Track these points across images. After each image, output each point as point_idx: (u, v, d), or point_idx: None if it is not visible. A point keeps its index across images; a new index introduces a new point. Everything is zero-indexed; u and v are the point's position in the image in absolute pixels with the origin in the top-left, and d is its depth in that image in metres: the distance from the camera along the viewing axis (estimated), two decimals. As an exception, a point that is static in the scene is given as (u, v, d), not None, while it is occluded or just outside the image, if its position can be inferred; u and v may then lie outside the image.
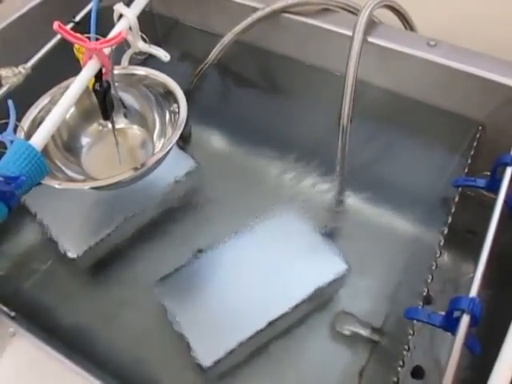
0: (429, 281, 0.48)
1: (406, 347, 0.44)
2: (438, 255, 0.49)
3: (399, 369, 0.43)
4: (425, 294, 0.47)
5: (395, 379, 0.43)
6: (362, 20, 0.57)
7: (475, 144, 0.57)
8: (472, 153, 0.57)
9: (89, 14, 0.54)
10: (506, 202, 0.44)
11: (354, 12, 0.62)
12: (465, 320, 0.37)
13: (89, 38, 0.46)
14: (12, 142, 0.40)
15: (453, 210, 0.52)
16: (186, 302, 0.47)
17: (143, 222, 0.54)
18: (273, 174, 0.58)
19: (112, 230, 0.52)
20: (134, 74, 0.57)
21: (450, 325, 0.38)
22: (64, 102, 0.44)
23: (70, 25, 0.63)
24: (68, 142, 0.54)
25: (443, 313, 0.39)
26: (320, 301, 0.48)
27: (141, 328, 0.47)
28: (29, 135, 0.47)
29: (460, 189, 0.53)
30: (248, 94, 0.70)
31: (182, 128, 0.50)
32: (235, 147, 0.62)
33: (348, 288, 0.49)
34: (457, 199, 0.52)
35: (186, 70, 0.68)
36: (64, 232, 0.52)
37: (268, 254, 0.50)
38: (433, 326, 0.40)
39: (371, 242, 0.52)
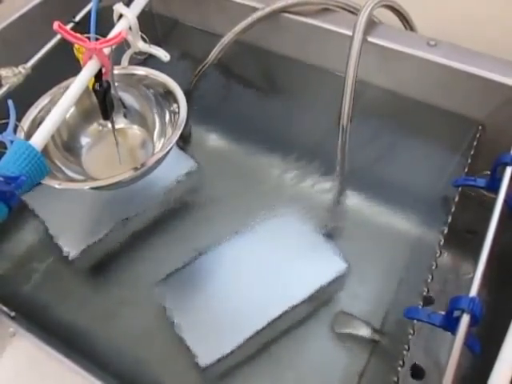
0: (429, 280, 0.48)
1: (406, 347, 0.44)
2: (438, 255, 0.49)
3: (399, 368, 0.43)
4: (425, 293, 0.47)
5: (395, 379, 0.43)
6: (362, 20, 0.57)
7: (475, 144, 0.57)
8: (472, 152, 0.57)
9: (89, 13, 0.54)
10: (506, 201, 0.44)
11: (354, 12, 0.62)
12: (465, 319, 0.37)
13: (89, 38, 0.46)
14: (12, 142, 0.40)
15: (453, 210, 0.52)
16: (186, 302, 0.47)
17: (143, 222, 0.54)
18: (273, 173, 0.58)
19: (112, 229, 0.52)
20: (133, 74, 0.57)
21: (450, 324, 0.38)
22: (64, 102, 0.44)
23: (70, 25, 0.63)
24: (68, 142, 0.54)
25: (443, 312, 0.39)
26: (320, 301, 0.48)
27: (141, 328, 0.47)
28: (29, 135, 0.47)
29: (460, 188, 0.53)
30: (248, 93, 0.70)
31: (181, 128, 0.50)
32: (235, 147, 0.62)
33: (348, 288, 0.49)
34: (457, 199, 0.52)
35: (186, 70, 0.68)
36: (64, 232, 0.52)
37: (268, 254, 0.50)
38: (433, 325, 0.40)
39: (371, 242, 0.52)
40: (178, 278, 0.49)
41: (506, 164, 0.46)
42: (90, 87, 0.47)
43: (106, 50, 0.47)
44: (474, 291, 0.38)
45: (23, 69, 0.57)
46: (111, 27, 0.54)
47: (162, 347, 0.46)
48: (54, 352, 0.39)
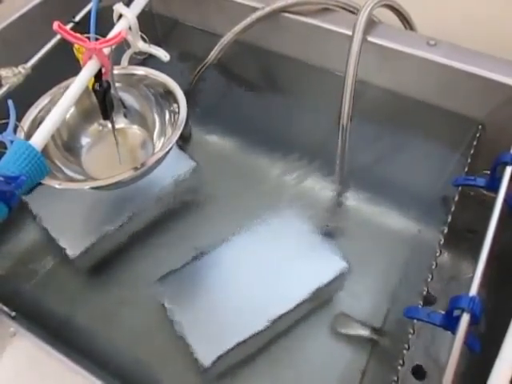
0: (429, 280, 0.48)
1: (406, 346, 0.44)
2: (438, 254, 0.49)
3: (399, 368, 0.43)
4: (425, 293, 0.47)
5: (395, 378, 0.43)
6: (362, 19, 0.57)
7: (475, 143, 0.57)
8: (472, 152, 0.57)
9: (88, 14, 0.54)
10: (505, 200, 0.44)
11: (354, 11, 0.63)
12: (465, 319, 0.37)
13: (88, 38, 0.46)
14: (12, 142, 0.40)
15: (453, 209, 0.52)
16: (186, 302, 0.47)
17: (143, 222, 0.54)
18: (272, 173, 0.58)
19: (112, 229, 0.52)
20: (133, 74, 0.57)
21: (450, 324, 0.38)
22: (64, 102, 0.44)
23: (70, 25, 0.63)
24: (68, 142, 0.54)
25: (443, 312, 0.39)
26: (320, 300, 0.48)
27: (141, 327, 0.47)
28: (29, 135, 0.47)
29: (460, 188, 0.53)
30: (248, 93, 0.70)
31: (181, 128, 0.50)
32: (235, 147, 0.62)
33: (348, 287, 0.49)
34: (457, 198, 0.52)
35: (186, 70, 0.68)
36: (64, 232, 0.52)
37: (268, 254, 0.50)
38: (433, 324, 0.40)
39: (371, 242, 0.52)
40: (178, 278, 0.49)
41: (506, 163, 0.46)
42: (90, 87, 0.47)
43: (106, 50, 0.47)
44: (473, 290, 0.38)
45: (23, 69, 0.57)
46: (111, 27, 0.54)
47: (162, 347, 0.46)
48: (54, 352, 0.39)
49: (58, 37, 0.62)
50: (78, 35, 0.44)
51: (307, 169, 0.58)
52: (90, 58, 0.45)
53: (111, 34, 0.53)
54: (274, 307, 0.46)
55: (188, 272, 0.49)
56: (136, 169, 0.47)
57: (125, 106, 0.57)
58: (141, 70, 0.57)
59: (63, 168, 0.51)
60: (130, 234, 0.53)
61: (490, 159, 0.48)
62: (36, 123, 0.51)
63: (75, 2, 0.66)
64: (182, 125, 0.50)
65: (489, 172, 0.48)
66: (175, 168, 0.57)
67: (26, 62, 0.59)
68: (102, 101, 0.48)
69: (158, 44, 0.60)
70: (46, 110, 0.51)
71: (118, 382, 0.42)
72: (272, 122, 0.64)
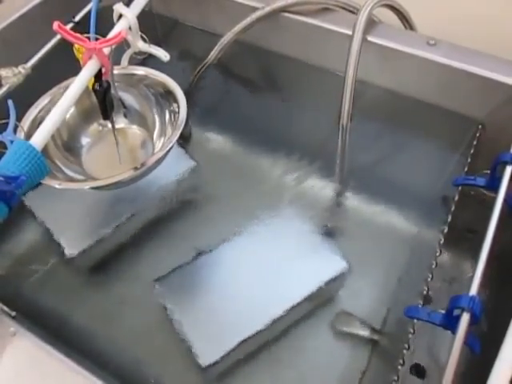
0: (429, 279, 0.48)
1: (406, 346, 0.44)
2: (438, 254, 0.49)
3: (399, 367, 0.43)
4: (425, 292, 0.47)
5: (395, 378, 0.43)
6: (362, 19, 0.57)
7: (475, 143, 0.57)
8: (472, 151, 0.57)
9: (88, 13, 0.54)
10: (505, 200, 0.44)
11: (354, 11, 0.62)
12: (465, 318, 0.37)
13: (88, 38, 0.46)
14: (12, 141, 0.40)
15: (453, 209, 0.52)
16: (186, 302, 0.47)
17: (143, 222, 0.54)
18: (272, 173, 0.58)
19: (112, 229, 0.52)
20: (133, 74, 0.57)
21: (450, 323, 0.38)
22: (64, 102, 0.44)
23: (70, 25, 0.63)
24: (68, 142, 0.55)
25: (443, 311, 0.39)
26: (320, 300, 0.48)
27: (141, 327, 0.47)
28: (29, 135, 0.47)
29: (460, 187, 0.53)
30: (248, 93, 0.70)
31: (181, 127, 0.50)
32: (235, 147, 0.62)
33: (348, 287, 0.49)
34: (457, 198, 0.53)
35: (186, 70, 0.68)
36: (64, 231, 0.52)
37: (268, 254, 0.50)
38: (433, 324, 0.40)
39: (371, 241, 0.52)
40: (179, 278, 0.49)
41: (506, 163, 0.47)
42: (90, 87, 0.47)
43: (106, 50, 0.47)
44: (473, 290, 0.38)
45: (23, 69, 0.57)
46: (111, 27, 0.54)
47: (162, 346, 0.46)
48: (54, 351, 0.39)
49: (58, 37, 0.62)
50: (78, 35, 0.44)
51: (307, 169, 0.58)
52: (90, 57, 0.45)
53: (111, 34, 0.53)
54: (274, 307, 0.46)
55: (188, 272, 0.49)
56: (136, 169, 0.47)
57: (125, 106, 0.57)
58: (141, 70, 0.57)
59: (63, 168, 0.51)
60: (129, 234, 0.53)
61: (489, 159, 0.48)
62: (36, 123, 0.51)
63: (75, 1, 0.66)
64: (182, 125, 0.50)
65: (489, 172, 0.48)
66: (175, 168, 0.57)
67: (26, 62, 0.59)
68: (102, 101, 0.48)
69: (158, 44, 0.60)
70: (46, 110, 0.51)
71: (118, 382, 0.42)
72: (272, 121, 0.64)
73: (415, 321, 0.45)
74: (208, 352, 0.43)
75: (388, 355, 0.46)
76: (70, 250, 0.51)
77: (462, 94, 0.58)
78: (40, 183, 0.43)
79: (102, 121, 0.55)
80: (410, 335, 0.45)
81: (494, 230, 0.42)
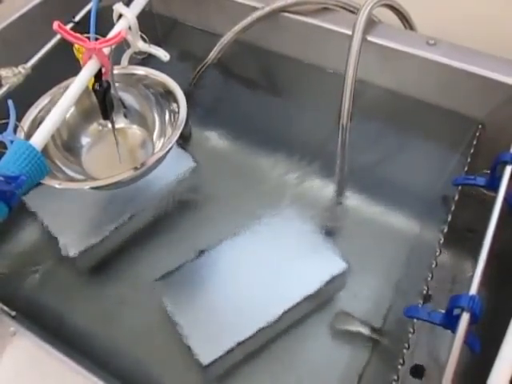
0: (429, 279, 0.48)
1: (406, 345, 0.44)
2: (437, 253, 0.49)
3: (399, 367, 0.43)
4: (425, 292, 0.47)
5: (395, 377, 0.43)
6: (362, 19, 0.57)
7: (475, 142, 0.57)
8: (472, 151, 0.57)
9: (88, 13, 0.54)
10: (505, 199, 0.44)
11: (354, 11, 0.62)
12: (465, 318, 0.37)
13: (88, 38, 0.46)
14: (12, 141, 0.40)
15: (453, 209, 0.52)
16: (186, 301, 0.47)
17: (143, 222, 0.54)
18: (272, 173, 0.58)
19: (112, 229, 0.52)
20: (133, 74, 0.57)
21: (450, 323, 0.38)
22: (64, 102, 0.44)
23: (70, 25, 0.63)
24: (68, 142, 0.55)
25: (443, 311, 0.39)
26: (320, 300, 0.48)
27: (141, 327, 0.47)
28: (29, 135, 0.47)
29: (460, 187, 0.53)
30: (248, 93, 0.70)
31: (181, 127, 0.50)
32: (235, 147, 0.62)
33: (348, 287, 0.49)
34: (457, 197, 0.53)
35: (186, 70, 0.68)
36: (64, 231, 0.52)
37: (268, 254, 0.50)
38: (433, 324, 0.40)
39: (371, 241, 0.52)
40: (179, 277, 0.49)
41: (506, 163, 0.47)
42: (90, 87, 0.47)
43: (106, 50, 0.47)
44: (473, 289, 0.38)
45: (23, 69, 0.57)
46: (111, 27, 0.54)
47: (162, 346, 0.46)
48: (54, 351, 0.39)
49: (58, 37, 0.62)
50: (78, 35, 0.44)
51: (307, 168, 0.58)
52: (89, 57, 0.45)
53: (111, 34, 0.53)
54: (274, 307, 0.46)
55: (188, 272, 0.49)
56: (136, 169, 0.47)
57: (125, 106, 0.57)
58: (141, 70, 0.57)
59: (63, 168, 0.51)
60: (130, 234, 0.53)
61: (489, 158, 0.48)
62: (36, 123, 0.51)
63: (75, 1, 0.66)
64: (182, 125, 0.50)
65: (489, 171, 0.48)
66: (175, 168, 0.57)
67: (26, 62, 0.59)
68: (102, 101, 0.48)
69: (158, 44, 0.60)
70: (46, 110, 0.52)
71: (118, 382, 0.42)
72: (272, 121, 0.64)
73: (415, 320, 0.45)
74: (208, 351, 0.43)
75: (388, 355, 0.46)
76: (70, 250, 0.51)
77: (462, 93, 0.58)
78: (40, 183, 0.43)
79: (102, 121, 0.55)
80: (410, 335, 0.45)
81: (494, 229, 0.42)
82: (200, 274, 0.49)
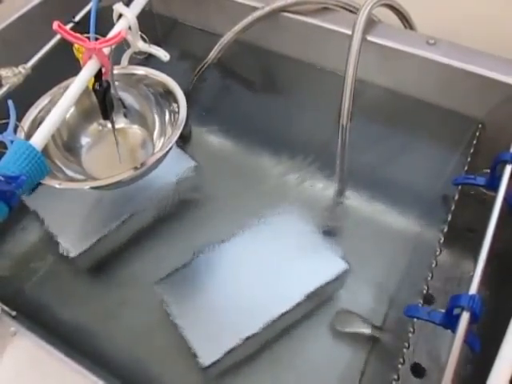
0: (429, 279, 0.48)
1: (406, 345, 0.44)
2: (438, 253, 0.49)
3: (399, 366, 0.43)
4: (425, 291, 0.47)
5: (395, 377, 0.43)
6: (362, 19, 0.57)
7: (475, 142, 0.57)
8: (472, 151, 0.57)
9: (88, 13, 0.54)
10: (505, 199, 0.44)
11: (354, 11, 0.62)
12: (465, 317, 0.37)
13: (88, 38, 0.46)
14: (12, 141, 0.41)
15: (453, 208, 0.52)
16: (187, 302, 0.47)
17: (143, 222, 0.54)
18: (273, 173, 0.58)
19: (112, 229, 0.52)
20: (133, 74, 0.57)
21: (450, 322, 0.38)
22: (64, 102, 0.44)
23: (70, 25, 0.63)
24: (68, 142, 0.55)
25: (443, 310, 0.39)
26: (320, 300, 0.48)
27: (141, 327, 0.47)
28: (29, 135, 0.47)
29: (460, 187, 0.53)
30: (247, 93, 0.70)
31: (181, 127, 0.50)
32: (235, 147, 0.62)
33: (348, 287, 0.49)
34: (457, 197, 0.53)
35: (186, 70, 0.68)
36: (64, 231, 0.52)
37: (268, 254, 0.50)
38: (433, 323, 0.40)
39: (371, 241, 0.52)
40: (179, 277, 0.49)
41: (506, 162, 0.47)
42: (90, 87, 0.47)
43: (106, 50, 0.47)
44: (473, 289, 0.38)
45: (23, 69, 0.57)
46: (111, 27, 0.54)
47: (162, 346, 0.46)
48: (54, 351, 0.39)
49: (58, 37, 0.62)
50: (78, 35, 0.44)
51: (307, 168, 0.58)
52: (89, 57, 0.45)
53: (111, 34, 0.53)
54: (274, 307, 0.46)
55: (188, 272, 0.49)
56: (136, 169, 0.47)
57: (125, 106, 0.57)
58: (141, 70, 0.57)
59: (63, 168, 0.51)
60: (130, 234, 0.53)
61: (489, 158, 0.48)
62: (36, 123, 0.51)
63: (75, 1, 0.66)
64: (182, 124, 0.50)
65: (489, 171, 0.48)
66: (175, 168, 0.57)
67: (26, 62, 0.59)
68: (102, 101, 0.48)
69: (158, 44, 0.60)
70: (46, 110, 0.52)
71: (118, 382, 0.42)
72: (272, 121, 0.64)
73: (415, 320, 0.45)
74: (208, 352, 0.43)
75: (388, 354, 0.46)
76: (71, 250, 0.51)
77: (462, 93, 0.58)
78: (40, 183, 0.43)
79: (102, 121, 0.55)
80: (410, 334, 0.45)
81: (493, 228, 0.42)
82: (200, 274, 0.49)
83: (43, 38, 0.61)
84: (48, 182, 0.45)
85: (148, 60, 0.63)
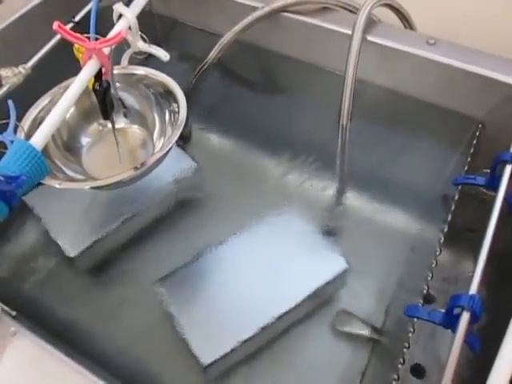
0: (429, 279, 0.48)
1: (407, 345, 0.44)
2: (438, 253, 0.49)
3: (399, 366, 0.43)
4: (425, 291, 0.47)
5: (395, 377, 0.43)
6: (362, 19, 0.57)
7: (475, 142, 0.57)
8: (472, 151, 0.57)
9: (88, 13, 0.54)
10: (505, 199, 0.44)
11: (354, 11, 0.63)
12: (465, 317, 0.37)
13: (88, 38, 0.46)
14: (12, 141, 0.41)
15: (453, 208, 0.52)
16: (187, 301, 0.47)
17: (143, 222, 0.54)
18: (273, 173, 0.58)
19: (112, 229, 0.52)
20: (133, 74, 0.57)
21: (450, 322, 0.38)
22: (64, 102, 0.44)
23: (70, 25, 0.63)
24: (68, 142, 0.55)
25: (443, 310, 0.39)
26: (320, 300, 0.48)
27: (141, 327, 0.47)
28: (29, 135, 0.47)
29: (460, 187, 0.53)
30: (248, 93, 0.70)
31: (181, 127, 0.50)
32: (235, 147, 0.62)
33: (348, 287, 0.49)
34: (457, 197, 0.53)
35: (186, 70, 0.68)
36: (64, 231, 0.52)
37: (268, 254, 0.50)
38: (433, 323, 0.40)
39: (371, 241, 0.52)
40: (179, 278, 0.49)
41: (506, 162, 0.47)
42: (90, 87, 0.47)
43: (106, 50, 0.47)
44: (473, 289, 0.38)
45: (23, 69, 0.57)
46: (111, 27, 0.54)
47: (162, 346, 0.46)
48: (55, 351, 0.39)
49: (58, 37, 0.62)
50: (78, 35, 0.44)
51: (307, 168, 0.58)
52: (90, 57, 0.45)
53: (111, 34, 0.53)
54: (274, 307, 0.46)
55: (188, 272, 0.49)
56: (136, 169, 0.47)
57: (125, 106, 0.57)
58: (141, 70, 0.57)
59: (63, 168, 0.51)
60: (129, 234, 0.53)
61: (489, 158, 0.48)
62: (36, 123, 0.51)
63: (75, 1, 0.66)
64: (182, 124, 0.50)
65: (489, 171, 0.48)
66: (175, 168, 0.57)
67: (26, 62, 0.59)
68: (102, 101, 0.48)
69: (158, 44, 0.60)
70: (46, 110, 0.52)
71: (118, 382, 0.42)
72: (272, 121, 0.64)
73: (415, 320, 0.45)
74: (208, 352, 0.43)
75: (388, 354, 0.46)
76: (71, 250, 0.51)
77: (462, 93, 0.58)
78: (40, 183, 0.43)
79: (102, 121, 0.55)
80: (410, 334, 0.45)
81: (493, 228, 0.42)
82: (200, 274, 0.49)
83: (43, 37, 0.61)
84: (48, 181, 0.45)
85: (148, 60, 0.63)
